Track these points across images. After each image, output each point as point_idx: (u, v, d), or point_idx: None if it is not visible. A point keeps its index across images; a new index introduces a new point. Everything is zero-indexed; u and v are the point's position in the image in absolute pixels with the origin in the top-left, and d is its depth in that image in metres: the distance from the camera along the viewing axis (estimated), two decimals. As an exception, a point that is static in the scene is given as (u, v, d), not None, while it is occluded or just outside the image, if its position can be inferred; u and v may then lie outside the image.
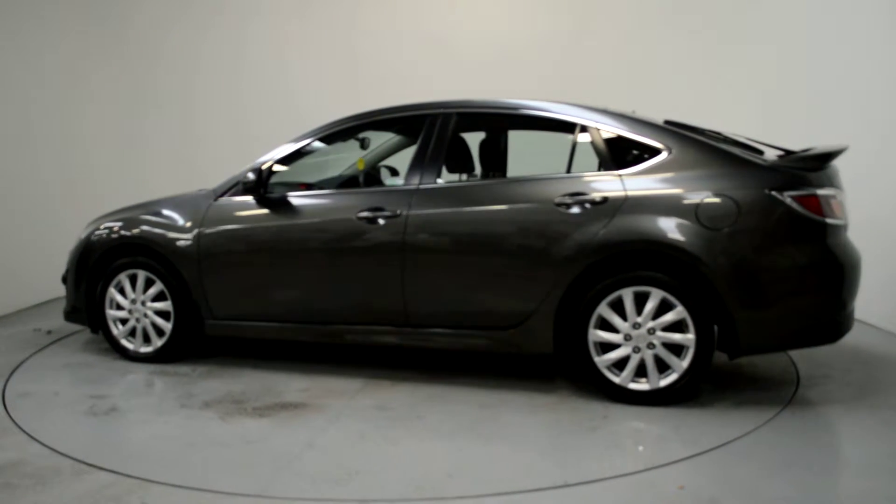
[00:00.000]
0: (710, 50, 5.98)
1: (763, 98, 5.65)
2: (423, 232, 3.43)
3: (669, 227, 3.11)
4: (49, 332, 4.64)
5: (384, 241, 3.47)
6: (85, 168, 6.36)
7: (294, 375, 3.70)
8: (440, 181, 3.54)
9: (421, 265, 3.44)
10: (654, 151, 3.28)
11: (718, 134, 3.49)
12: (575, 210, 3.23)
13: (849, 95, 4.72)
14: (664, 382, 3.17)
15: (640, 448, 2.76)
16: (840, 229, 3.15)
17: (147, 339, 3.95)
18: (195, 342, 3.96)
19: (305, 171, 4.07)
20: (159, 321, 3.90)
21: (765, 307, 3.07)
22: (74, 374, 3.81)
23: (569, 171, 3.40)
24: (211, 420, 3.09)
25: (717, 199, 3.09)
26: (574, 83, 5.81)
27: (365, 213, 3.49)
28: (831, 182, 3.18)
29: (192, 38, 6.64)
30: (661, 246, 3.12)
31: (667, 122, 3.46)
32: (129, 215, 4.03)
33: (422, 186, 3.50)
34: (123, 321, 3.98)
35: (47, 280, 5.48)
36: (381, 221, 3.47)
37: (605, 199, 3.21)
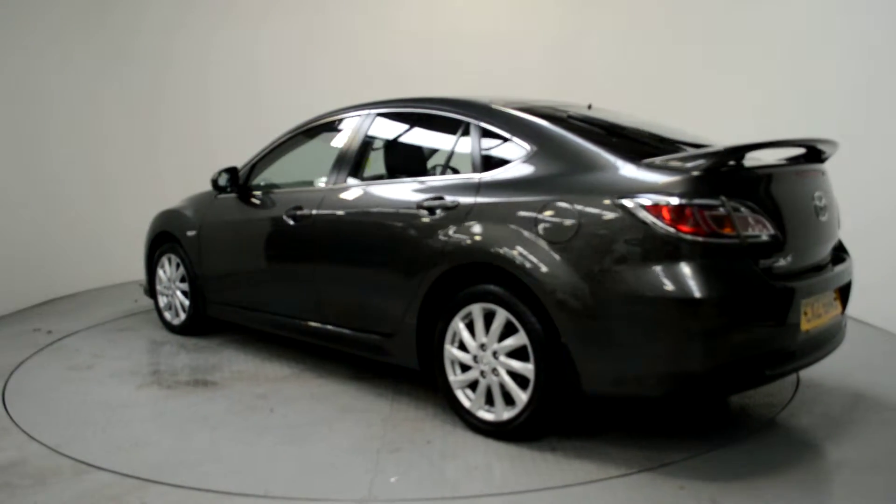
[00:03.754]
0: (709, 50, 5.91)
1: (763, 97, 5.44)
2: (325, 232, 3.50)
3: (504, 239, 2.72)
4: (49, 332, 4.70)
5: (300, 239, 3.62)
6: (87, 168, 6.32)
7: (256, 357, 4.06)
8: (349, 182, 3.53)
9: (324, 265, 3.52)
10: (522, 150, 2.87)
11: (630, 128, 2.89)
12: (432, 216, 3.00)
13: (849, 95, 4.63)
14: (507, 415, 2.78)
15: (393, 480, 2.50)
16: (724, 250, 2.40)
17: (178, 314, 4.68)
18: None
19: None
20: (182, 299, 4.59)
21: (606, 343, 2.50)
22: (85, 345, 4.48)
23: (444, 172, 3.15)
24: (129, 386, 3.59)
25: (558, 207, 2.60)
26: (575, 82, 5.69)
27: (289, 212, 3.68)
28: (726, 189, 2.43)
29: (200, 40, 6.81)
30: (494, 259, 2.74)
31: (574, 118, 2.98)
32: (170, 209, 4.78)
33: (331, 187, 3.55)
34: (166, 296, 4.77)
35: (47, 280, 5.79)
36: (298, 221, 3.62)
37: (456, 205, 2.92)
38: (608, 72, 6.30)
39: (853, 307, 4.32)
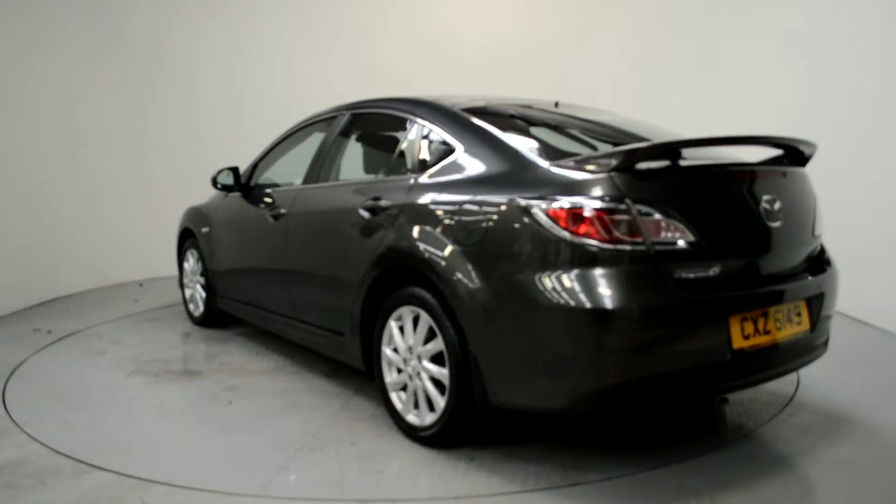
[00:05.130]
0: (709, 50, 6.00)
1: (762, 97, 5.48)
2: (295, 231, 3.58)
3: (422, 241, 2.67)
4: (49, 332, 4.73)
5: (278, 237, 3.72)
6: (83, 168, 6.34)
7: (252, 350, 4.23)
8: (316, 182, 3.58)
9: (294, 263, 3.60)
10: (451, 150, 2.80)
11: (579, 127, 2.76)
12: (373, 216, 2.99)
13: (849, 95, 4.65)
14: (428, 420, 2.73)
15: (292, 478, 2.51)
16: (628, 258, 2.22)
17: (198, 306, 4.93)
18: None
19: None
20: (202, 292, 4.84)
21: (508, 353, 2.39)
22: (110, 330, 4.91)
23: (389, 173, 3.12)
24: (122, 373, 3.81)
25: (470, 209, 2.52)
26: (575, 82, 5.89)
27: (271, 211, 3.79)
28: (637, 191, 2.25)
29: (195, 37, 6.77)
30: (413, 262, 2.69)
31: (517, 117, 2.89)
32: (194, 206, 5.04)
33: (302, 187, 3.63)
34: (190, 289, 5.05)
35: (47, 280, 5.83)
36: (276, 220, 3.72)
37: (389, 206, 2.89)
38: (609, 71, 6.42)
39: (854, 307, 4.55)
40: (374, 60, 6.66)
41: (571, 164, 2.37)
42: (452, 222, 2.57)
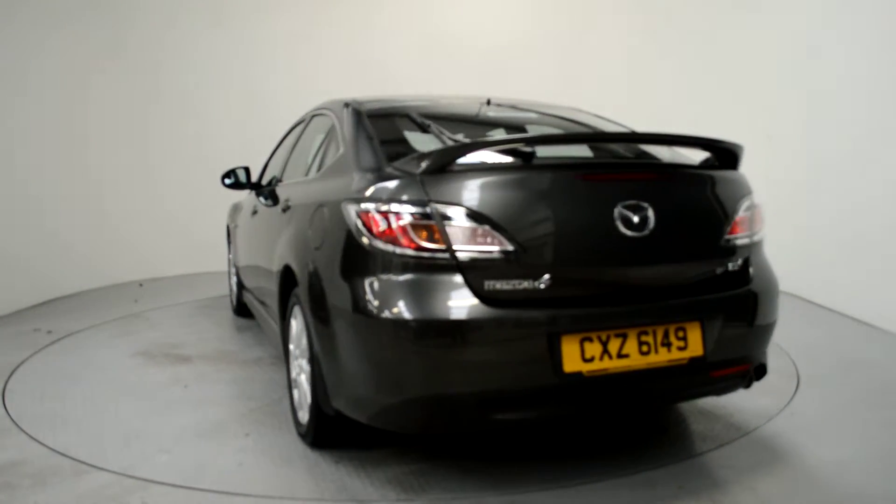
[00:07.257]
0: (709, 50, 6.03)
1: (761, 97, 5.48)
2: (259, 228, 3.77)
3: (291, 241, 2.71)
4: (49, 332, 4.73)
5: (253, 233, 3.94)
6: (82, 168, 6.36)
7: (257, 340, 4.48)
8: (281, 182, 3.71)
9: (257, 258, 3.78)
10: (339, 151, 2.78)
11: (484, 126, 2.66)
12: (283, 215, 3.06)
13: (848, 95, 4.66)
14: (306, 418, 2.74)
15: (163, 459, 2.65)
16: (427, 265, 2.08)
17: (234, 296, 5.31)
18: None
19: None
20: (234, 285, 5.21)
21: (332, 357, 2.34)
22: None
23: (307, 173, 3.16)
24: (125, 353, 4.21)
25: (321, 211, 2.52)
26: (575, 83, 5.94)
27: (255, 208, 4.01)
28: (448, 195, 2.10)
29: (198, 37, 6.80)
30: (288, 261, 2.72)
31: (410, 115, 2.83)
32: (237, 202, 5.41)
33: (275, 184, 3.79)
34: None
35: (47, 280, 5.82)
36: (253, 216, 3.93)
37: (292, 206, 2.95)
38: (608, 72, 6.41)
39: (854, 306, 4.60)
40: (375, 60, 6.68)
41: (398, 165, 2.27)
42: (311, 223, 2.57)
